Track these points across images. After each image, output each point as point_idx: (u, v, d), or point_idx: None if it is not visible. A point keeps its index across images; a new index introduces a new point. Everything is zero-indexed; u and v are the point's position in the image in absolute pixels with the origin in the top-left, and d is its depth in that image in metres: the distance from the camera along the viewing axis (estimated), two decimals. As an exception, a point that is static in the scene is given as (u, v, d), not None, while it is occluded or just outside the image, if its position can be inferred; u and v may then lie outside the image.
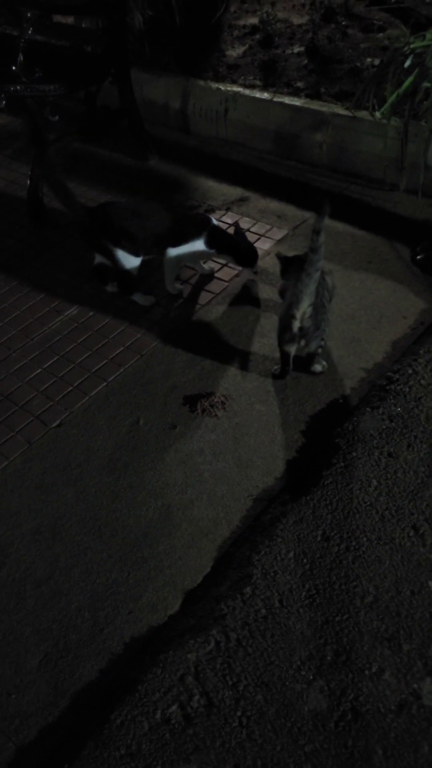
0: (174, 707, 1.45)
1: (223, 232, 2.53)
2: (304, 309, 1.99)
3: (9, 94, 2.62)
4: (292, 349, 2.10)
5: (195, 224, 2.46)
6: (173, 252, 2.45)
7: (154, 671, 1.51)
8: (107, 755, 1.39)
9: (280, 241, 2.81)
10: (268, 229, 2.89)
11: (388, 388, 2.09)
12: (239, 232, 2.54)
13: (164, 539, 1.81)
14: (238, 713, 1.42)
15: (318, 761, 1.34)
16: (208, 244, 2.44)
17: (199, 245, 2.44)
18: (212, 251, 2.48)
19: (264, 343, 2.34)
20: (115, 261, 2.42)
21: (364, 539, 1.70)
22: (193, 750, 1.38)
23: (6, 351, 2.45)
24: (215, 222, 2.52)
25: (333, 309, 2.38)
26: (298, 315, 2.00)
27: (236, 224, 2.60)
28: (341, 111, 3.05)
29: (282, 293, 2.25)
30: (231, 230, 2.58)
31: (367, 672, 1.46)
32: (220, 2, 3.83)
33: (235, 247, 2.49)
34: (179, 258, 2.49)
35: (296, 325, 2.01)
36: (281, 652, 1.51)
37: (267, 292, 2.57)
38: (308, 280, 1.93)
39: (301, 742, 1.37)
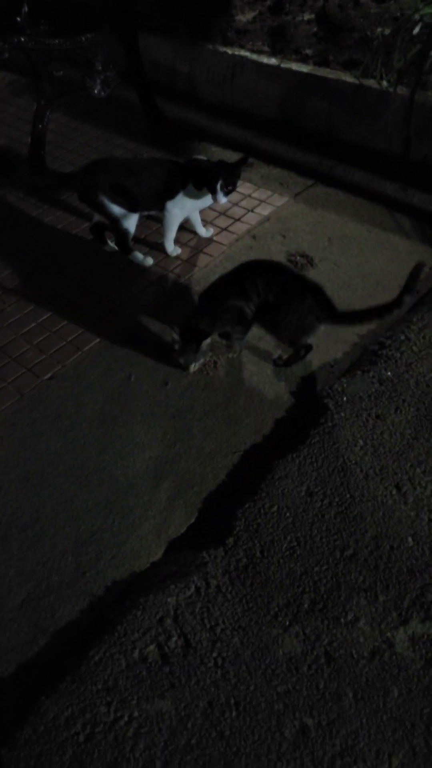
0: (152, 647, 1.48)
1: (202, 165, 2.39)
2: None
3: (12, 45, 2.59)
4: None
5: (182, 172, 2.38)
6: (170, 206, 2.42)
7: (134, 613, 1.54)
8: (84, 689, 1.42)
9: (281, 207, 2.80)
10: (269, 195, 2.87)
11: (379, 353, 2.10)
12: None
13: (150, 490, 1.82)
14: (214, 654, 1.45)
15: (289, 700, 1.37)
16: (196, 185, 2.35)
17: (191, 192, 2.38)
18: (205, 193, 2.37)
19: (259, 305, 2.34)
20: (111, 218, 2.41)
21: (348, 496, 1.72)
22: (168, 687, 1.41)
23: (0, 304, 2.45)
24: (200, 159, 2.43)
25: (330, 277, 2.40)
26: None
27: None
28: (349, 79, 3.01)
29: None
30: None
31: (342, 620, 1.48)
32: (232, -33, 3.80)
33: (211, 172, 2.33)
34: (179, 213, 2.46)
35: None
36: (260, 599, 1.54)
37: (265, 256, 2.55)
38: None
39: (274, 682, 1.40)
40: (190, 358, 2.04)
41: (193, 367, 2.08)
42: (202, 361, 2.07)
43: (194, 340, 1.99)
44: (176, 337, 2.01)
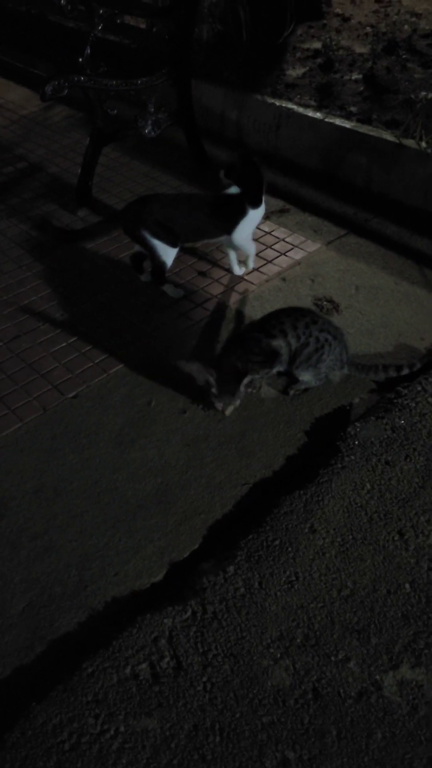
0: (144, 665, 1.51)
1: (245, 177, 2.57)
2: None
3: (72, 83, 2.75)
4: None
5: (234, 199, 2.55)
6: (237, 234, 2.57)
7: (129, 630, 1.57)
8: (74, 699, 1.45)
9: (312, 253, 2.89)
10: (302, 241, 2.97)
11: (395, 401, 2.14)
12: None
13: (158, 513, 1.87)
14: (204, 679, 1.48)
15: (273, 732, 1.38)
16: (251, 202, 2.53)
17: (250, 213, 2.55)
18: (259, 206, 2.58)
19: (282, 345, 2.41)
20: (152, 251, 2.52)
21: (350, 537, 1.75)
22: (156, 706, 1.44)
23: (36, 323, 2.56)
24: (231, 192, 2.58)
25: (354, 324, 2.47)
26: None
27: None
28: (389, 137, 3.12)
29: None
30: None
31: (333, 658, 1.50)
32: (287, 24, 3.99)
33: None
34: (247, 235, 2.63)
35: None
36: (253, 629, 1.56)
37: (293, 298, 2.63)
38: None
39: (260, 713, 1.42)
40: (229, 400, 2.04)
41: (230, 411, 2.08)
42: (239, 402, 2.07)
43: (233, 381, 2.00)
44: (212, 380, 2.00)
